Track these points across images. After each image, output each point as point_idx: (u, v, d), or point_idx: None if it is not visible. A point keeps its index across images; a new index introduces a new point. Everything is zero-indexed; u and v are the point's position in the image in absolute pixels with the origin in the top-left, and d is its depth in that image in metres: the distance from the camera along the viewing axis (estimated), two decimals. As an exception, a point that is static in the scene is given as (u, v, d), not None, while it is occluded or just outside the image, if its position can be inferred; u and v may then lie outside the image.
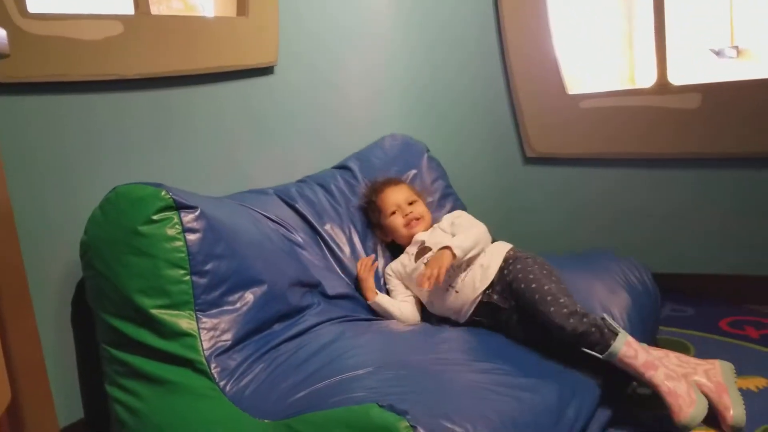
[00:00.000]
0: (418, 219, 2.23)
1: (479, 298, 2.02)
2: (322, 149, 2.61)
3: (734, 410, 1.72)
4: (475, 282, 2.03)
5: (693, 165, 2.75)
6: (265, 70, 2.37)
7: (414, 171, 2.58)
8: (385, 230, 2.32)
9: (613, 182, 2.90)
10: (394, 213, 2.24)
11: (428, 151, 2.69)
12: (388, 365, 1.61)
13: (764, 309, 2.62)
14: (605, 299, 2.09)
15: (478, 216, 2.68)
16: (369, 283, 2.19)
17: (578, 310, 1.77)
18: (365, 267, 2.23)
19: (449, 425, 1.34)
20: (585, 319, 1.74)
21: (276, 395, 1.55)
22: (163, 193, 1.67)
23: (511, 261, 2.00)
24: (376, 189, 2.30)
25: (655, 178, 2.83)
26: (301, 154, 2.54)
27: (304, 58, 2.51)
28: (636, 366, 1.69)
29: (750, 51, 4.03)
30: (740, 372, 2.11)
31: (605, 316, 1.81)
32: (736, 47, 4.03)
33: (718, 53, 4.07)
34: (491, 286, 2.02)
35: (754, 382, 2.04)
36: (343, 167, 2.53)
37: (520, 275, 1.92)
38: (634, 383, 1.86)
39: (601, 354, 1.71)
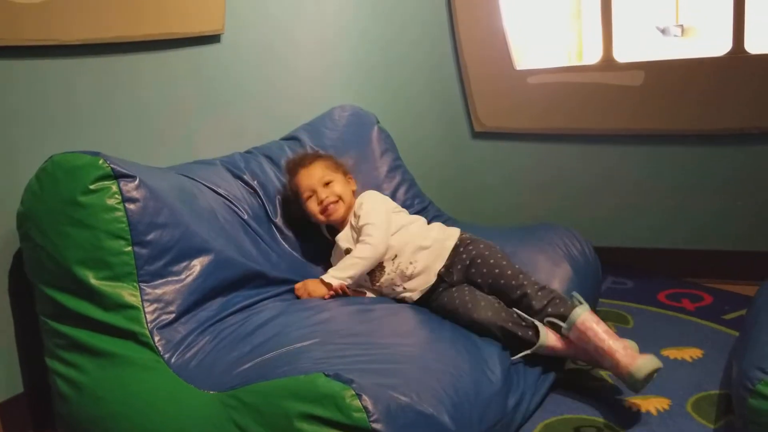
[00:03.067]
0: (335, 202, 2.06)
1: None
2: (272, 121, 2.57)
3: (640, 361, 1.70)
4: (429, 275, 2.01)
5: (635, 141, 2.81)
6: (212, 39, 2.31)
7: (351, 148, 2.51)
8: (308, 215, 2.15)
9: (558, 157, 2.94)
10: (310, 197, 2.07)
11: (378, 122, 2.68)
12: (334, 337, 1.62)
13: (701, 282, 2.71)
14: (548, 271, 2.14)
15: (427, 189, 2.70)
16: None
17: (545, 285, 1.92)
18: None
19: (394, 393, 1.36)
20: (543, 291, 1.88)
21: (222, 367, 1.54)
22: (100, 161, 1.63)
23: (464, 245, 2.01)
24: (290, 170, 2.13)
25: (599, 154, 2.88)
26: (250, 125, 2.50)
27: (252, 28, 2.46)
28: (596, 332, 1.74)
29: (694, 29, 4.10)
30: (676, 343, 2.19)
31: (574, 293, 1.90)
32: (681, 26, 4.10)
33: (663, 31, 4.13)
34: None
35: (689, 353, 2.12)
36: (291, 138, 2.51)
37: (479, 260, 1.97)
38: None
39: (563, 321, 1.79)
